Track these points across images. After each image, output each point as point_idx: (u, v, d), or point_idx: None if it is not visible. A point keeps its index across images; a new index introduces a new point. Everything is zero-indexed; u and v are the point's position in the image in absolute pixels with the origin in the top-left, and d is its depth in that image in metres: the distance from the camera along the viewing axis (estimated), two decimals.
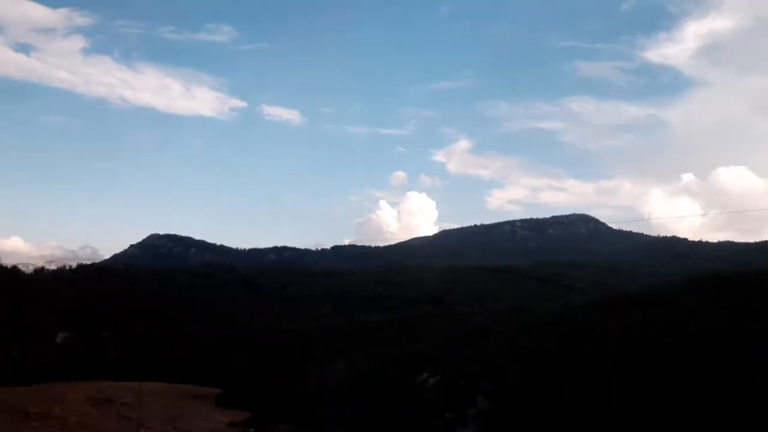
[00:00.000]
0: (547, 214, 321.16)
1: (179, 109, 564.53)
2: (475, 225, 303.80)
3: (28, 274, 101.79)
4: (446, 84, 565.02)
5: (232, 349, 64.12)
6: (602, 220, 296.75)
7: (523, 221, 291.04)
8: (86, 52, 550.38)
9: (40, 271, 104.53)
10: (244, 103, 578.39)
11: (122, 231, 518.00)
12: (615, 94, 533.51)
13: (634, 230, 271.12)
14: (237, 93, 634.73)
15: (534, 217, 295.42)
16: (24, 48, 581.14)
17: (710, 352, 24.23)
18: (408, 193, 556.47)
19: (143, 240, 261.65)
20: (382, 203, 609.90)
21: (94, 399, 20.49)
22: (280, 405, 25.85)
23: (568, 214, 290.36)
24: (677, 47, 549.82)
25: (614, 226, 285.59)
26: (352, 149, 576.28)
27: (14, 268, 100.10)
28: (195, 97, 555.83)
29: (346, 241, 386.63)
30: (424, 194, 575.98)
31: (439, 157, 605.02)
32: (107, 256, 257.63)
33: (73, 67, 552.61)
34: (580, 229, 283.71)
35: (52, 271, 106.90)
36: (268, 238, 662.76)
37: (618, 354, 28.25)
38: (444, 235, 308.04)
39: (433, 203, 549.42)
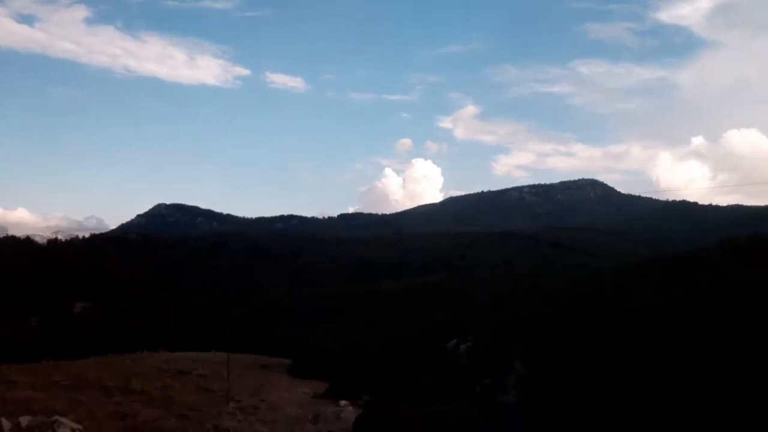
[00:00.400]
0: (555, 180, 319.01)
1: (183, 78, 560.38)
2: (482, 191, 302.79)
3: (41, 244, 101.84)
4: (453, 48, 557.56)
5: (267, 318, 63.32)
6: (610, 184, 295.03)
7: (530, 187, 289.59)
8: (89, 21, 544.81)
9: (53, 242, 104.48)
10: (247, 71, 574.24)
11: (126, 201, 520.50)
12: (626, 57, 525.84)
13: (643, 194, 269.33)
14: (241, 61, 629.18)
15: (542, 182, 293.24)
16: (27, 19, 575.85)
17: None
18: (413, 161, 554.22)
19: (150, 210, 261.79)
20: (387, 171, 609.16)
21: (166, 371, 19.86)
22: (351, 375, 25.54)
23: (576, 179, 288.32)
24: (690, 7, 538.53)
25: (623, 191, 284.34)
26: (356, 116, 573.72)
27: (27, 239, 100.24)
28: (199, 66, 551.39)
29: (350, 209, 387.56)
30: (429, 161, 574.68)
31: (445, 123, 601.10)
32: (113, 227, 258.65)
33: (77, 38, 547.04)
34: (588, 194, 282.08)
35: (65, 241, 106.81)
36: (273, 206, 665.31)
37: (664, 321, 27.19)
38: (451, 202, 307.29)
39: (439, 170, 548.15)
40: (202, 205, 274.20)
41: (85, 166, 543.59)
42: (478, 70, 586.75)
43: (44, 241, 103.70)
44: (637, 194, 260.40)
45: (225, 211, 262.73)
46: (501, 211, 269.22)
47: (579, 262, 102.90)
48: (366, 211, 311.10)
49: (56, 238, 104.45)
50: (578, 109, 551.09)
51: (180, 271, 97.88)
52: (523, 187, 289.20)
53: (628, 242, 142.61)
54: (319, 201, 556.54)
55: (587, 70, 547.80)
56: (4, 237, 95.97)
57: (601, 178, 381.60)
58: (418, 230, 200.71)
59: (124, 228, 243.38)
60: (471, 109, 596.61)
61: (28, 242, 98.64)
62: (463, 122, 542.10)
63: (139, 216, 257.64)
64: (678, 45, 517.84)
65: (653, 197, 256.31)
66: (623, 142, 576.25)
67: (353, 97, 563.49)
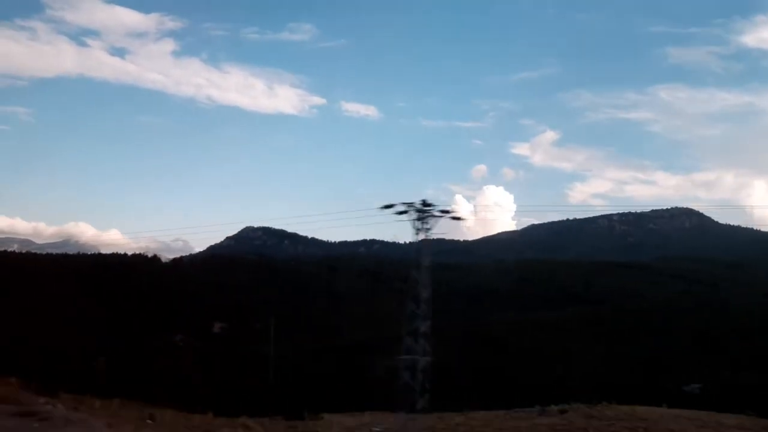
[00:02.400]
0: (637, 208, 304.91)
1: (262, 108, 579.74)
2: (567, 219, 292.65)
3: (165, 263, 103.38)
4: (526, 74, 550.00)
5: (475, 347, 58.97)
6: (706, 214, 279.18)
7: (620, 215, 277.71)
8: (176, 54, 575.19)
9: (178, 261, 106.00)
10: (323, 100, 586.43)
11: (209, 225, 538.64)
12: (709, 82, 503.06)
13: (742, 224, 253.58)
14: (317, 90, 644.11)
15: (632, 210, 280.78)
16: (119, 52, 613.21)
17: None
18: (485, 187, 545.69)
19: (239, 232, 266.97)
20: (458, 197, 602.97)
21: None
22: None
23: (669, 207, 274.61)
24: None
25: (720, 221, 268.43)
26: (428, 143, 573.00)
27: (155, 258, 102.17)
28: (277, 96, 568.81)
29: (420, 236, 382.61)
30: (501, 188, 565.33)
31: (517, 149, 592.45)
32: (198, 249, 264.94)
33: (165, 69, 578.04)
34: (683, 223, 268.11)
35: (186, 260, 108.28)
36: (346, 231, 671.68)
37: None
38: (532, 230, 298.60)
39: (511, 197, 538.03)
40: (288, 229, 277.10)
41: (171, 190, 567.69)
42: (552, 95, 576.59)
43: (168, 260, 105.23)
44: (734, 224, 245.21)
45: (309, 235, 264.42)
46: (589, 240, 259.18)
47: (719, 295, 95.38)
48: (437, 236, 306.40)
49: (181, 257, 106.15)
50: (658, 135, 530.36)
51: (303, 292, 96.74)
52: (612, 215, 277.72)
53: (746, 275, 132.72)
54: (390, 227, 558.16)
55: (667, 96, 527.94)
56: (132, 255, 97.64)
57: (687, 206, 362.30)
58: (501, 257, 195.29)
59: (213, 249, 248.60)
60: (544, 136, 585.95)
61: (155, 260, 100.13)
62: (537, 148, 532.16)
63: (228, 238, 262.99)
64: (765, 69, 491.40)
65: (752, 227, 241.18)
66: (709, 170, 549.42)
67: (425, 124, 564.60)
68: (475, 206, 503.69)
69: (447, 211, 27.98)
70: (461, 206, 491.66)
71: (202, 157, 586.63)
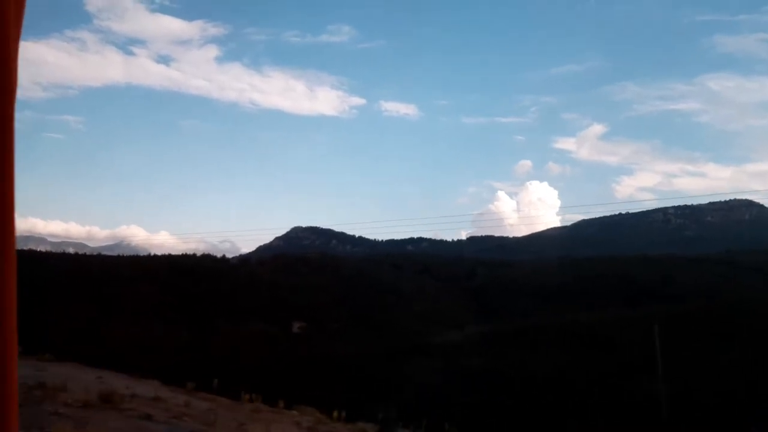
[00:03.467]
0: (688, 200, 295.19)
1: (303, 110, 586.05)
2: (619, 213, 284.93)
3: (233, 263, 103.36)
4: (568, 68, 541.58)
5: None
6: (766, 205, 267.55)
7: (675, 208, 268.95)
8: (219, 60, 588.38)
9: (246, 261, 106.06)
10: (363, 101, 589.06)
11: (254, 226, 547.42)
12: (760, 70, 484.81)
13: None
14: (356, 91, 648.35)
15: (685, 203, 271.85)
16: (164, 59, 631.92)
17: None
18: (527, 183, 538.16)
19: (287, 232, 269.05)
20: (500, 194, 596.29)
21: None
22: None
23: (727, 200, 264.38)
24: None
25: None
26: (469, 140, 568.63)
27: (224, 258, 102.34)
28: (317, 98, 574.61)
29: (463, 233, 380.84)
30: (545, 183, 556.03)
31: (560, 144, 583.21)
32: (246, 250, 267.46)
33: (208, 75, 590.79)
34: (743, 215, 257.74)
35: (255, 259, 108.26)
36: (389, 229, 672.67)
37: None
38: (583, 225, 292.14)
39: (555, 192, 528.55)
40: (335, 228, 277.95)
41: (216, 193, 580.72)
42: (596, 89, 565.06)
43: (236, 260, 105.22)
44: None
45: (357, 234, 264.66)
46: (645, 235, 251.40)
47: None
48: (480, 234, 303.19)
49: (249, 257, 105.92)
50: (707, 126, 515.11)
51: (374, 292, 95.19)
52: (667, 208, 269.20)
53: None
54: (431, 225, 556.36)
55: (716, 86, 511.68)
56: (201, 255, 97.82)
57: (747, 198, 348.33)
58: (555, 254, 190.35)
59: (261, 250, 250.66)
60: (589, 130, 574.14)
61: (224, 260, 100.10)
62: (581, 143, 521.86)
63: (277, 238, 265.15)
64: None
65: None
66: (763, 160, 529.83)
67: (466, 121, 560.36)
68: (518, 202, 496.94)
69: None
70: (504, 203, 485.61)
71: (246, 161, 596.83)
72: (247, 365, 49.35)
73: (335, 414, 16.62)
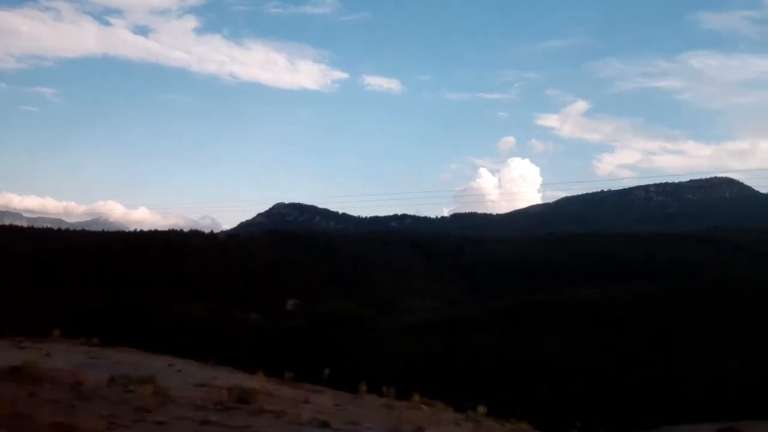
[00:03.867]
0: (670, 178, 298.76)
1: (284, 84, 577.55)
2: (601, 191, 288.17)
3: (222, 240, 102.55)
4: (552, 43, 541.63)
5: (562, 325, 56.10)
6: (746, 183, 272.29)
7: (657, 186, 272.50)
8: (198, 31, 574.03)
9: (234, 237, 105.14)
10: (346, 75, 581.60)
11: (236, 202, 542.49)
12: (743, 48, 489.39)
13: None
14: (339, 65, 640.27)
15: (668, 181, 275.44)
16: (142, 30, 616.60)
17: None
18: (509, 160, 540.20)
19: (270, 209, 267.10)
20: (482, 171, 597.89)
21: None
22: None
23: (708, 177, 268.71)
24: None
25: (761, 190, 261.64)
26: (452, 116, 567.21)
27: (212, 234, 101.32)
28: (299, 71, 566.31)
29: (445, 210, 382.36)
30: (527, 160, 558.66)
31: (543, 121, 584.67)
32: (227, 226, 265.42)
33: (187, 47, 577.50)
34: (723, 193, 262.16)
35: (244, 236, 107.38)
36: (371, 206, 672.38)
37: None
38: (566, 202, 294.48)
39: (537, 169, 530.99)
40: (318, 205, 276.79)
41: (196, 167, 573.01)
42: (579, 65, 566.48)
43: (224, 237, 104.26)
44: None
45: (340, 210, 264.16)
46: (627, 212, 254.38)
47: None
48: (462, 210, 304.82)
49: (237, 234, 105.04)
50: (689, 104, 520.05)
51: (365, 268, 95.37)
52: (648, 186, 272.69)
53: None
54: (413, 201, 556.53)
55: (698, 63, 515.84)
56: (189, 231, 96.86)
57: (721, 175, 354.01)
58: (538, 231, 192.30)
59: (243, 226, 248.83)
60: (579, 106, 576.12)
61: (212, 236, 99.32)
62: (571, 119, 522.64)
63: (259, 215, 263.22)
64: None
65: None
66: (743, 139, 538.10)
67: (449, 96, 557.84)
68: (499, 179, 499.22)
69: None
70: (486, 179, 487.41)
71: (226, 135, 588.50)
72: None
73: (480, 410, 15.20)
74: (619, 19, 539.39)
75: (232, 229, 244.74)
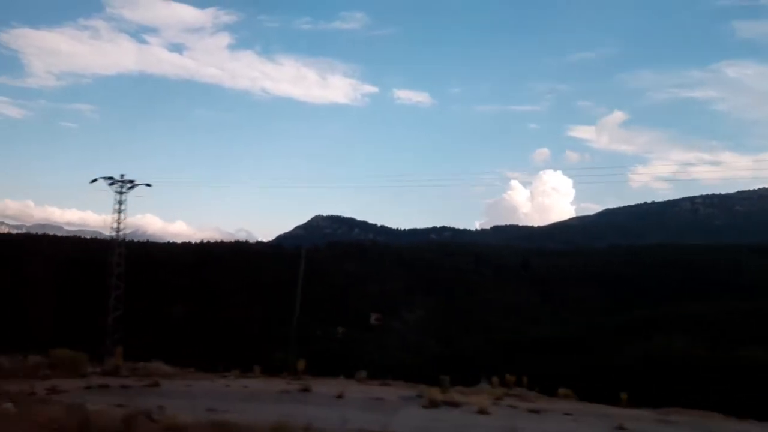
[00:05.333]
0: (699, 191, 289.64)
1: (315, 98, 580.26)
2: (645, 202, 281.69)
3: (292, 252, 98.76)
4: (582, 55, 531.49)
5: None
6: None
7: (704, 197, 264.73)
8: (231, 48, 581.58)
9: (298, 249, 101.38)
10: (375, 89, 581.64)
11: (271, 215, 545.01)
12: None
13: None
14: (369, 79, 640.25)
15: (716, 192, 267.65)
16: (177, 48, 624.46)
17: None
18: (541, 173, 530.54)
19: (309, 221, 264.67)
20: (514, 183, 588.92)
21: None
22: None
23: (757, 188, 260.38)
24: None
25: None
26: (482, 129, 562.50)
27: (280, 245, 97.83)
28: (329, 86, 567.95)
29: (477, 223, 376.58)
30: (559, 172, 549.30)
31: (575, 132, 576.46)
32: (263, 239, 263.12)
33: (221, 63, 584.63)
34: None
35: (312, 248, 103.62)
36: (404, 218, 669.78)
37: None
38: (609, 214, 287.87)
39: (570, 182, 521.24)
40: (356, 217, 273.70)
41: (231, 182, 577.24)
42: (611, 76, 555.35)
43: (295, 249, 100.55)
44: None
45: (378, 223, 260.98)
46: (672, 225, 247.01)
47: None
48: (495, 223, 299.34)
49: (316, 246, 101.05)
50: (725, 114, 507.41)
51: (436, 280, 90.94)
52: (695, 197, 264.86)
53: None
54: (443, 214, 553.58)
55: (734, 73, 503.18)
56: (257, 243, 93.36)
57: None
58: (587, 243, 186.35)
59: (281, 239, 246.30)
60: (616, 116, 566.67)
61: (278, 247, 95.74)
62: (608, 130, 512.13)
63: (297, 227, 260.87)
64: None
65: None
66: None
67: (479, 109, 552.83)
68: (531, 192, 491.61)
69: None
70: (518, 192, 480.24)
71: (258, 149, 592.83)
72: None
73: None
74: (651, 28, 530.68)
75: (271, 242, 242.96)
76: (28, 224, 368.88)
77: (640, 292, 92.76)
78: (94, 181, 42.46)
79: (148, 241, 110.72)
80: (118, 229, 45.75)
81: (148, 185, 45.76)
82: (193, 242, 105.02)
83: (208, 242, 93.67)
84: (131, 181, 44.51)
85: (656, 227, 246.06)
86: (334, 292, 77.40)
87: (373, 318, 73.14)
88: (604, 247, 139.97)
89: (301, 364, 21.19)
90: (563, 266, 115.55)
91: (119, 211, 43.43)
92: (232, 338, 47.15)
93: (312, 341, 59.39)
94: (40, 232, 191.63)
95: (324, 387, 17.26)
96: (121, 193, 42.79)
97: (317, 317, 67.01)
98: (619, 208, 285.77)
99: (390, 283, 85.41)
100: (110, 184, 42.54)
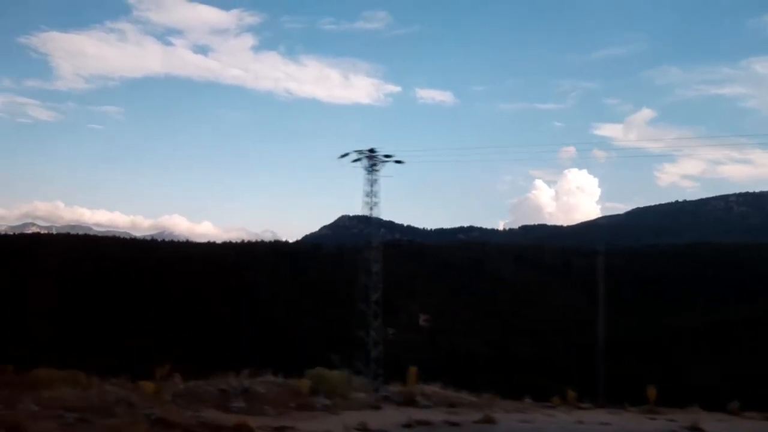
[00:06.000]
0: (729, 190, 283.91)
1: (338, 98, 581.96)
2: (677, 201, 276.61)
3: (332, 252, 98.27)
4: (608, 51, 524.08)
5: None
6: None
7: (738, 195, 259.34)
8: (255, 49, 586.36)
9: (340, 248, 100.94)
10: (398, 88, 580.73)
11: (294, 216, 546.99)
12: None
13: None
14: (391, 78, 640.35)
15: (750, 191, 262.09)
16: (202, 49, 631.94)
17: None
18: (565, 171, 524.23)
19: (335, 221, 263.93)
20: (538, 182, 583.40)
21: None
22: None
23: None
24: None
25: None
26: (505, 127, 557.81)
27: (320, 245, 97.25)
28: (352, 86, 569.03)
29: (501, 223, 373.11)
30: (584, 171, 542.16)
31: (601, 131, 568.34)
32: (289, 239, 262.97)
33: (245, 64, 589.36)
34: None
35: (351, 248, 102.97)
36: (429, 218, 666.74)
37: None
38: (638, 213, 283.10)
39: (596, 181, 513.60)
40: (383, 217, 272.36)
41: (256, 182, 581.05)
42: (637, 73, 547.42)
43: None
44: None
45: (404, 223, 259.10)
46: (705, 223, 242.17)
47: None
48: (520, 223, 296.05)
49: (370, 244, 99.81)
50: (754, 111, 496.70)
51: (478, 281, 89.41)
52: (729, 195, 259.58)
53: None
54: (466, 214, 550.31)
55: (763, 69, 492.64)
56: (294, 242, 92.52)
57: None
58: (622, 242, 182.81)
59: (308, 239, 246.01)
60: (644, 114, 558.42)
61: (318, 247, 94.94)
62: (636, 128, 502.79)
63: (324, 227, 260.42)
64: None
65: None
66: None
67: (502, 107, 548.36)
68: (556, 191, 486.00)
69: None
70: (542, 191, 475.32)
71: (282, 149, 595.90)
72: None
73: None
74: (678, 24, 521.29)
75: (298, 241, 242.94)
76: (57, 225, 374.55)
77: (693, 292, 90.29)
78: (344, 155, 35.84)
79: (187, 240, 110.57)
80: (369, 215, 40.38)
81: (399, 162, 39.28)
82: (233, 242, 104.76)
83: (250, 242, 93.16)
84: (388, 156, 37.21)
85: (690, 226, 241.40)
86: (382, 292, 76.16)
87: (422, 319, 71.83)
88: (642, 247, 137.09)
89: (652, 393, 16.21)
90: (606, 266, 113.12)
91: (370, 193, 37.07)
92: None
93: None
94: (72, 232, 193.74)
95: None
96: (371, 171, 36.22)
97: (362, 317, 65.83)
98: (648, 207, 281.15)
99: (433, 284, 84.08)
100: (355, 160, 35.63)
